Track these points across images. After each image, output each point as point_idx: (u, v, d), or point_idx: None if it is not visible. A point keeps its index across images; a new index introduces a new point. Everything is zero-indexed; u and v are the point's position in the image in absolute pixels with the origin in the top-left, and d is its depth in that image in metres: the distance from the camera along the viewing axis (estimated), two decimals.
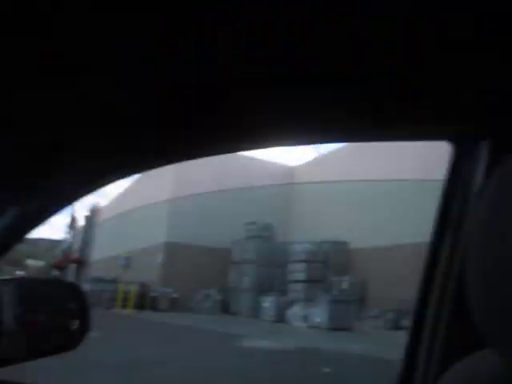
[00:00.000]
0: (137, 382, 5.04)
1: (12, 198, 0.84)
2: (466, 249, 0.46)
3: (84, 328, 1.13)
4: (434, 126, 0.87)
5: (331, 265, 17.11)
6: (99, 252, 24.03)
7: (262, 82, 0.71)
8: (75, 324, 1.16)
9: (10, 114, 0.71)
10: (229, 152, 0.88)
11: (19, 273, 23.50)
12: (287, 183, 21.42)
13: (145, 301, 17.64)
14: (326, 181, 18.63)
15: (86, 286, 19.70)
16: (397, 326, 12.52)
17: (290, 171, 22.01)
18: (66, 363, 4.73)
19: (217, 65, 0.67)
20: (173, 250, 18.72)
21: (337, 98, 0.77)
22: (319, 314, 13.57)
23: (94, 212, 15.53)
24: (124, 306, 17.23)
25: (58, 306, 1.27)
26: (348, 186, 17.03)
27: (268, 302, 15.85)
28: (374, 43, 0.65)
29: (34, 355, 1.13)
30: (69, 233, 17.11)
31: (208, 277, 18.17)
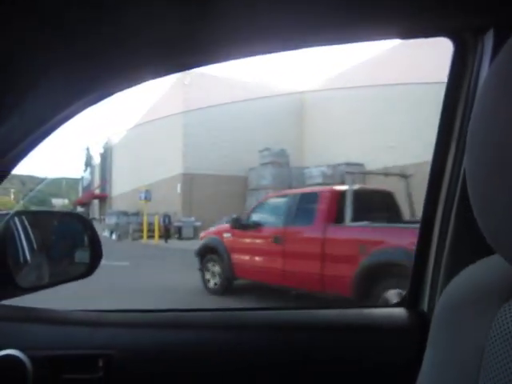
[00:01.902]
0: (161, 304, 5.33)
1: None
2: (468, 151, 0.43)
3: (96, 256, 1.16)
4: (430, 20, 0.78)
5: None
6: (119, 187, 24.69)
7: None
8: (87, 252, 1.18)
9: None
10: (227, 59, 0.82)
11: None
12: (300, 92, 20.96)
13: (169, 230, 18.26)
14: (338, 87, 18.15)
15: (111, 220, 20.52)
16: None
17: (299, 96, 21.51)
18: (96, 289, 5.05)
19: None
20: (190, 181, 19.03)
21: None
22: None
23: (109, 148, 15.69)
24: (150, 237, 17.89)
25: (70, 235, 1.30)
26: (359, 96, 16.51)
27: None
28: None
29: (53, 283, 1.17)
30: (87, 170, 17.43)
31: (227, 205, 18.55)
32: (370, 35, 0.83)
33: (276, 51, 0.84)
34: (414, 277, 1.02)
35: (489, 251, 0.48)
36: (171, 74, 0.86)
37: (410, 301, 1.02)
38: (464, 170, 0.84)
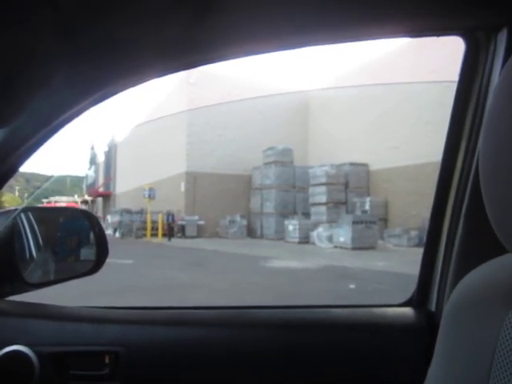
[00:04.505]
0: (167, 302, 5.33)
1: None
2: (482, 150, 0.43)
3: (102, 253, 1.16)
4: (442, 19, 0.78)
5: (352, 187, 17.20)
6: (123, 185, 24.79)
7: None
8: (94, 249, 1.19)
9: None
10: (233, 57, 0.83)
11: None
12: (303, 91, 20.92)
13: (173, 229, 18.30)
14: (343, 86, 18.12)
15: (115, 218, 20.59)
16: (420, 243, 12.69)
17: (304, 96, 21.45)
18: (102, 286, 5.07)
19: None
20: (194, 179, 19.07)
21: None
22: (343, 235, 13.86)
23: (113, 146, 15.81)
24: (153, 235, 17.93)
25: (75, 232, 1.30)
26: (364, 96, 16.48)
27: (292, 225, 16.22)
28: None
29: (59, 279, 1.18)
30: (91, 168, 17.55)
31: (231, 203, 18.58)
32: (381, 33, 0.83)
33: (280, 50, 0.84)
34: (422, 276, 1.01)
35: (499, 251, 0.48)
36: (174, 72, 0.88)
37: (418, 300, 1.02)
38: (474, 170, 0.84)
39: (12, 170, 0.93)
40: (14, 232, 1.06)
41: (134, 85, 0.86)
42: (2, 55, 0.71)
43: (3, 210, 1.08)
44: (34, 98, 0.79)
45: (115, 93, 0.86)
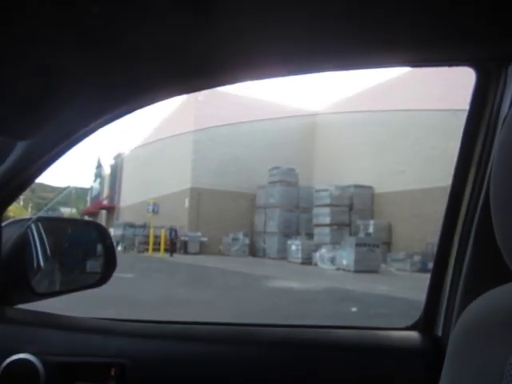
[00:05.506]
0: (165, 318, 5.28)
1: (19, 133, 0.83)
2: (493, 179, 0.44)
3: (110, 266, 1.17)
4: (454, 49, 0.80)
5: (357, 209, 17.15)
6: (128, 199, 24.83)
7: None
8: (101, 262, 1.19)
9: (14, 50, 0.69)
10: (229, 83, 0.87)
11: None
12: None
13: (175, 244, 18.24)
14: (350, 111, 18.25)
15: (117, 232, 20.56)
16: (423, 269, 12.57)
17: (311, 117, 21.60)
18: (102, 300, 5.04)
19: None
20: (198, 196, 19.08)
21: (348, 19, 0.72)
22: (346, 257, 13.76)
23: (120, 160, 15.85)
24: (156, 250, 17.88)
25: (85, 244, 1.31)
26: (372, 119, 16.59)
27: (295, 245, 16.13)
28: None
29: (66, 290, 1.18)
30: (96, 181, 17.58)
31: (234, 221, 18.53)
32: (392, 61, 0.85)
33: (290, 75, 0.88)
34: (429, 300, 1.01)
35: (507, 277, 0.48)
36: (187, 93, 0.95)
37: (424, 324, 1.01)
38: (484, 195, 0.85)
39: (28, 182, 0.96)
40: (26, 241, 1.07)
41: (149, 104, 0.90)
42: (28, 75, 0.75)
43: (16, 219, 1.10)
44: (54, 114, 0.82)
45: (130, 111, 0.90)
